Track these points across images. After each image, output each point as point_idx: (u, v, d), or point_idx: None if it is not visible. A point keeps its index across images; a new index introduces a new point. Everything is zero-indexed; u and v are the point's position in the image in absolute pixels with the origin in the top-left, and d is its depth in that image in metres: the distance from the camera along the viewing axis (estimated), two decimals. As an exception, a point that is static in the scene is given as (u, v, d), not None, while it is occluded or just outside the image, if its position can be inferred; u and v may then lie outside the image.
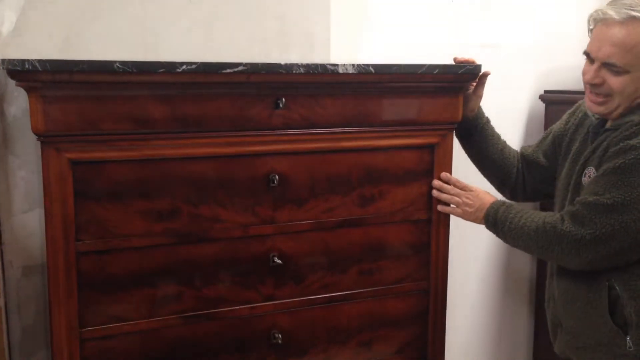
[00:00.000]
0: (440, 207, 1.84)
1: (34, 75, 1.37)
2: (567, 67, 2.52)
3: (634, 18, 1.44)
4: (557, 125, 1.80)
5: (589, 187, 1.52)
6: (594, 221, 1.47)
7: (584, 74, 1.55)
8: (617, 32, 1.45)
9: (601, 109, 1.54)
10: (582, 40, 2.18)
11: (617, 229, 1.45)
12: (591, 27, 1.54)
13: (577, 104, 1.76)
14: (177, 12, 1.90)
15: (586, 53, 1.54)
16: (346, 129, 1.71)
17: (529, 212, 1.63)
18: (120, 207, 1.53)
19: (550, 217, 1.56)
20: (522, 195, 1.89)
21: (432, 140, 1.82)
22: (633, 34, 1.44)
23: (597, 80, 1.51)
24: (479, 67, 1.78)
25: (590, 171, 1.55)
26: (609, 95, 1.51)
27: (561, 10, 2.51)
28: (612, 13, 1.46)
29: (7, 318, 1.81)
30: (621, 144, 1.47)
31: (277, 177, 1.66)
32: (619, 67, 1.47)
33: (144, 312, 1.59)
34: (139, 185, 1.54)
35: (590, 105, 1.56)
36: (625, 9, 1.45)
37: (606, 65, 1.48)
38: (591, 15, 1.53)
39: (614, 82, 1.48)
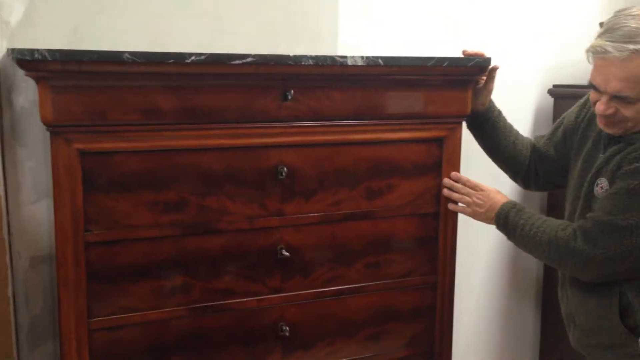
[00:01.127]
0: (450, 206, 1.83)
1: (43, 65, 1.37)
2: (576, 61, 2.49)
3: (636, 52, 1.40)
4: (567, 118, 1.78)
5: (602, 204, 1.51)
6: (607, 242, 1.47)
7: (593, 103, 1.53)
8: (623, 68, 1.42)
9: (615, 130, 1.53)
10: (591, 34, 2.16)
11: (630, 249, 1.45)
12: (592, 59, 1.49)
13: (587, 96, 1.72)
14: (184, 4, 1.90)
15: (592, 85, 1.51)
16: (354, 122, 1.71)
17: (540, 220, 1.62)
18: (129, 198, 1.53)
19: (562, 230, 1.56)
20: (534, 185, 1.89)
21: (440, 133, 1.81)
22: (639, 66, 1.41)
23: (610, 112, 1.49)
24: (488, 60, 1.77)
25: (603, 182, 1.54)
26: (622, 121, 1.49)
27: (570, 3, 2.49)
28: (612, 50, 1.41)
29: (14, 309, 1.82)
30: (635, 164, 1.46)
31: (285, 169, 1.65)
32: (630, 99, 1.45)
33: (151, 303, 1.59)
34: (147, 176, 1.54)
35: (603, 127, 1.55)
36: (624, 43, 1.40)
37: (617, 97, 1.46)
38: (589, 50, 1.48)
39: (627, 111, 1.47)
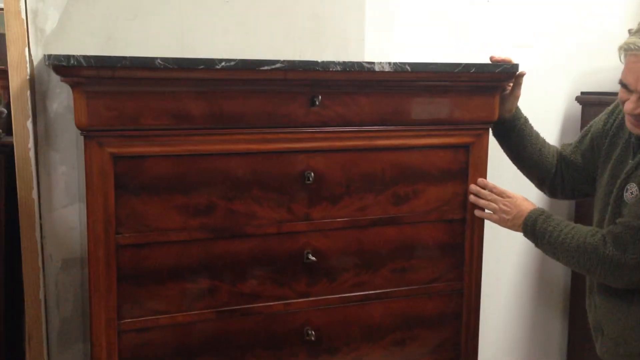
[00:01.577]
0: (477, 212, 1.83)
1: (78, 71, 1.41)
2: (604, 69, 2.49)
3: None
4: (595, 125, 1.77)
5: (632, 209, 1.50)
6: (637, 246, 1.46)
7: (622, 102, 1.51)
8: None
9: None
10: (619, 40, 2.14)
11: None
12: (623, 57, 1.49)
13: (615, 102, 1.71)
14: (213, 12, 1.93)
15: (623, 83, 1.50)
16: (381, 127, 1.71)
17: (569, 227, 1.61)
18: (159, 202, 1.56)
19: (592, 236, 1.54)
20: (561, 194, 1.87)
21: (467, 139, 1.81)
22: None
23: (638, 111, 1.47)
24: (516, 66, 1.76)
25: (633, 188, 1.53)
26: None
27: (600, 10, 2.47)
28: None
29: (46, 310, 1.86)
30: None
31: (312, 174, 1.67)
32: None
33: (180, 306, 1.61)
34: (177, 180, 1.56)
35: (631, 128, 1.53)
36: None
37: None
38: (622, 47, 1.47)
39: None
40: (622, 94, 1.51)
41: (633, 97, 1.47)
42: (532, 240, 1.69)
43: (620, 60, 1.50)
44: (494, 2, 2.29)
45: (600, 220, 1.65)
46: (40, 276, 1.83)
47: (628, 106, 1.49)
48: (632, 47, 1.43)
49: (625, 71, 1.48)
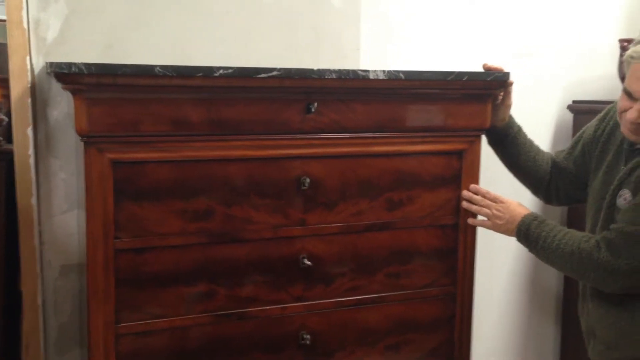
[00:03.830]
0: (470, 221, 1.85)
1: (79, 78, 1.44)
2: (595, 78, 2.53)
3: None
4: (586, 132, 1.78)
5: (625, 215, 1.51)
6: (631, 252, 1.47)
7: (623, 109, 1.52)
8: None
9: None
10: (610, 50, 2.19)
11: None
12: (628, 65, 1.49)
13: (606, 110, 1.74)
14: (213, 22, 1.97)
15: (626, 91, 1.50)
16: (376, 134, 1.74)
17: (562, 232, 1.61)
18: (158, 207, 1.58)
19: (586, 242, 1.55)
20: (556, 200, 1.89)
21: (460, 146, 1.84)
22: None
23: None
24: (507, 74, 1.80)
25: (626, 194, 1.54)
26: None
27: (592, 21, 2.52)
28: None
29: (44, 316, 1.87)
30: None
31: (308, 180, 1.69)
32: None
33: (177, 310, 1.63)
34: (175, 186, 1.59)
35: (627, 134, 1.54)
36: None
37: None
38: (629, 54, 1.48)
39: None
40: (624, 102, 1.51)
41: (637, 105, 1.47)
42: (526, 245, 1.70)
43: (626, 69, 1.50)
44: (487, 13, 2.33)
45: (593, 225, 1.66)
46: (39, 282, 1.85)
47: (632, 114, 1.48)
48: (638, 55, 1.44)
49: (631, 80, 1.48)
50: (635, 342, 1.53)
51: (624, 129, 1.54)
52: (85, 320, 1.68)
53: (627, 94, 1.50)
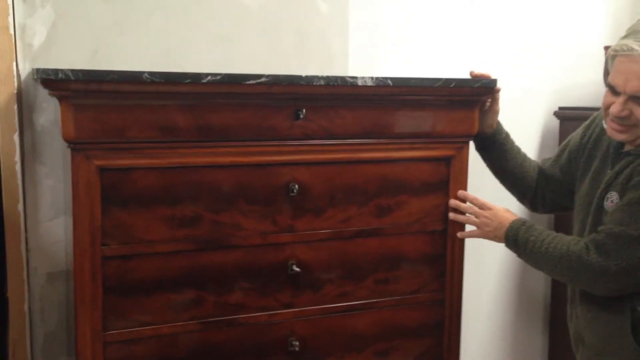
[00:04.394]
0: (460, 234, 1.86)
1: (66, 85, 1.43)
2: (581, 85, 2.56)
3: None
4: (572, 140, 1.80)
5: (613, 216, 1.51)
6: (620, 253, 1.47)
7: (607, 106, 1.53)
8: None
9: (623, 137, 1.53)
10: (596, 57, 2.21)
11: None
12: (612, 59, 1.51)
13: (592, 117, 1.76)
14: (200, 27, 1.97)
15: (610, 86, 1.51)
16: (364, 140, 1.75)
17: (551, 236, 1.62)
18: (145, 213, 1.57)
19: (575, 245, 1.55)
20: (542, 208, 1.89)
21: (448, 152, 1.85)
22: None
23: (624, 114, 1.49)
24: (494, 81, 1.81)
25: (613, 196, 1.55)
26: (634, 125, 1.50)
27: (578, 28, 2.55)
28: (637, 48, 1.43)
29: (30, 323, 1.85)
30: None
31: (296, 186, 1.69)
32: None
33: (165, 317, 1.62)
34: (163, 192, 1.58)
35: (612, 133, 1.55)
36: None
37: (634, 98, 1.47)
38: (613, 49, 1.49)
39: None
40: (609, 98, 1.52)
41: (620, 99, 1.48)
42: (515, 251, 1.70)
43: (609, 66, 1.52)
44: (475, 20, 2.35)
45: (580, 230, 1.66)
46: (25, 289, 1.83)
47: (615, 108, 1.49)
48: (624, 48, 1.45)
49: (614, 74, 1.49)
50: (624, 347, 1.53)
51: (608, 128, 1.55)
52: (72, 328, 1.67)
53: (611, 88, 1.51)
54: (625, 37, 1.48)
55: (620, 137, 1.54)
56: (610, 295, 1.54)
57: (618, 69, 1.48)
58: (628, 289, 1.51)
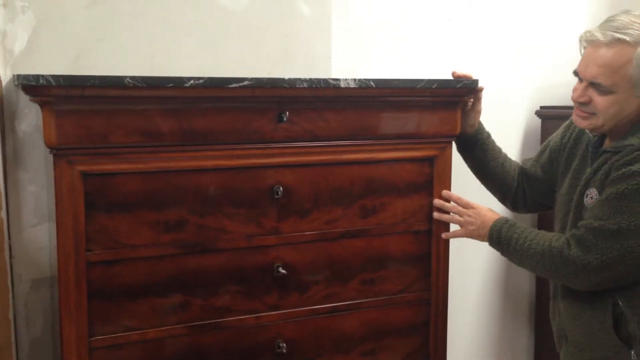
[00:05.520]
0: (444, 235, 1.88)
1: (47, 90, 1.42)
2: (562, 83, 2.57)
3: (619, 40, 1.47)
4: (553, 140, 1.83)
5: (592, 211, 1.54)
6: (600, 246, 1.49)
7: (573, 91, 1.59)
8: (604, 54, 1.49)
9: (585, 124, 1.58)
10: (577, 56, 2.23)
11: (622, 253, 1.47)
12: (581, 47, 1.58)
13: (572, 117, 1.80)
14: (183, 32, 1.96)
15: (575, 72, 1.58)
16: (348, 142, 1.76)
17: (533, 233, 1.64)
18: (129, 218, 1.57)
19: (556, 240, 1.58)
20: (523, 207, 1.92)
21: (431, 152, 1.86)
22: (618, 55, 1.48)
23: (583, 99, 1.54)
24: (476, 81, 1.83)
25: (592, 192, 1.57)
26: (593, 113, 1.54)
27: (558, 27, 2.57)
28: (599, 35, 1.50)
29: (15, 330, 1.84)
30: (623, 170, 1.49)
31: (281, 188, 1.70)
32: (604, 87, 1.50)
33: (151, 322, 1.62)
34: (147, 197, 1.58)
35: (575, 120, 1.60)
36: (612, 31, 1.48)
37: (593, 84, 1.52)
38: (581, 36, 1.56)
39: (599, 101, 1.52)
40: (575, 86, 1.58)
41: (581, 85, 1.55)
42: (498, 249, 1.72)
43: (580, 53, 1.58)
44: (455, 21, 2.37)
45: (562, 227, 1.69)
46: (10, 296, 1.81)
47: (575, 93, 1.56)
48: (588, 35, 1.53)
49: (580, 60, 1.56)
50: (607, 342, 1.55)
51: (573, 115, 1.61)
52: (57, 334, 1.66)
53: (576, 75, 1.57)
54: (596, 27, 1.54)
55: (582, 123, 1.59)
56: (592, 289, 1.56)
57: (583, 57, 1.56)
58: (610, 283, 1.53)
